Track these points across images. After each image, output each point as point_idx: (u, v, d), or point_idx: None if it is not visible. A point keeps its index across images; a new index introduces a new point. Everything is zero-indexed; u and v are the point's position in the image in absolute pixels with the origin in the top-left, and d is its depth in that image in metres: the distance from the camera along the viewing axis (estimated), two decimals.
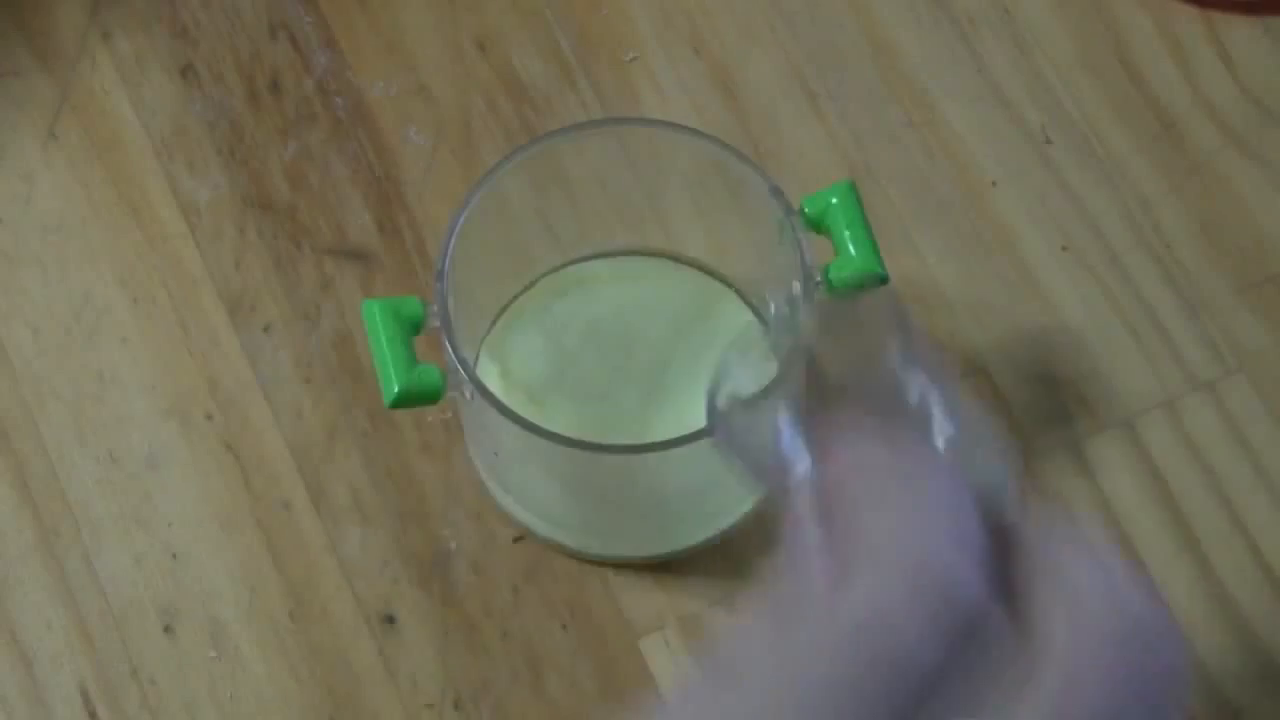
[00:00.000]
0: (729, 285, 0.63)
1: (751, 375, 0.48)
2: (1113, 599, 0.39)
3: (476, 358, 0.63)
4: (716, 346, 0.62)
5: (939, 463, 0.42)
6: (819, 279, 0.56)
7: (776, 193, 0.57)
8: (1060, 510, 0.43)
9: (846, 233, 0.56)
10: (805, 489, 0.42)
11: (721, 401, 0.48)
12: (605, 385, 0.62)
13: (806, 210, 0.57)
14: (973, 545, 0.39)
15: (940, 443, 0.43)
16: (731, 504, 0.61)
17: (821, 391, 0.46)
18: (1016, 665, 0.38)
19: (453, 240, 0.57)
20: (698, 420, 0.55)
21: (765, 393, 0.47)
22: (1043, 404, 0.64)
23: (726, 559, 0.62)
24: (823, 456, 0.42)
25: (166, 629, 0.61)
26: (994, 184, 0.67)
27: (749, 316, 0.63)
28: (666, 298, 0.64)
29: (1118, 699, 0.38)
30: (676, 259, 0.64)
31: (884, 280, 0.56)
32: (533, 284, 0.64)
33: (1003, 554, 0.40)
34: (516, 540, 0.62)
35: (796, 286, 0.56)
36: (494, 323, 0.64)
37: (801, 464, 0.43)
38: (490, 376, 0.62)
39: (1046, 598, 0.39)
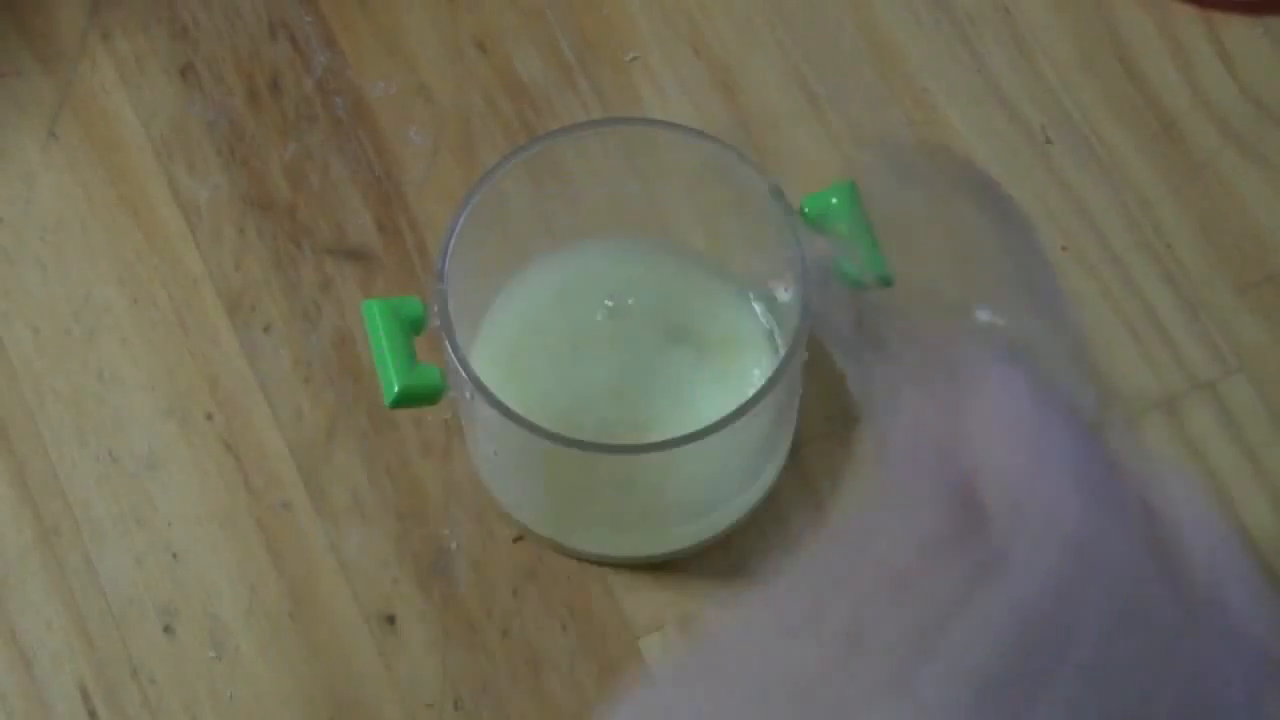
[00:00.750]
0: (729, 280, 0.63)
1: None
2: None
3: (476, 356, 0.63)
4: (717, 342, 0.62)
5: (1072, 419, 0.40)
6: (831, 272, 0.56)
7: (776, 193, 0.57)
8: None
9: (847, 232, 0.56)
10: (910, 417, 0.40)
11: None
12: (605, 383, 0.62)
13: (807, 210, 0.57)
14: (1120, 513, 0.38)
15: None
16: (731, 504, 0.61)
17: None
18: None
19: (453, 240, 0.57)
20: (697, 418, 0.56)
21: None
22: None
23: (726, 559, 0.62)
24: (932, 393, 0.40)
25: (166, 629, 0.61)
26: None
27: (749, 310, 0.63)
28: (667, 295, 0.63)
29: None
30: (677, 258, 0.64)
31: (889, 282, 0.56)
32: (533, 281, 0.64)
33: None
34: (516, 540, 0.62)
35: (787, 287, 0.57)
36: (494, 321, 0.63)
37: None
38: (490, 376, 0.62)
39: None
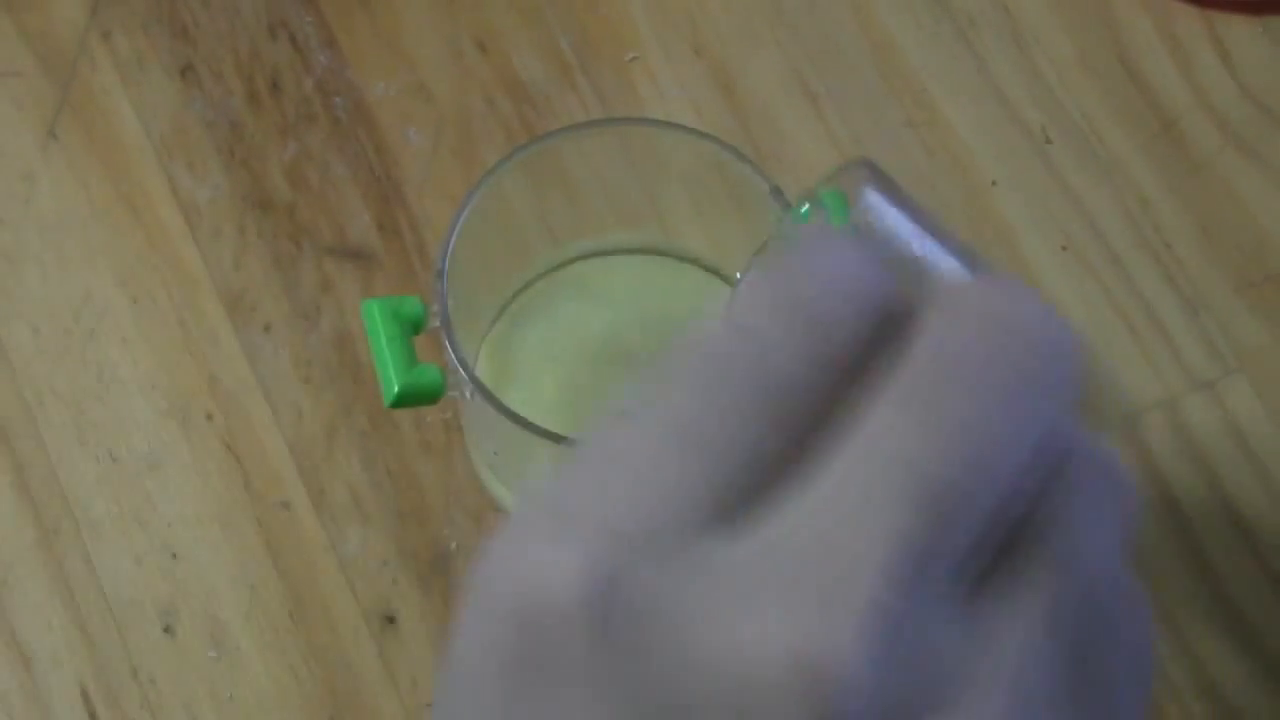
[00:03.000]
0: (729, 283, 0.64)
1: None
2: (989, 295, 0.35)
3: (476, 356, 0.63)
4: None
5: None
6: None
7: (776, 193, 0.57)
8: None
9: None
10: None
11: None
12: (606, 383, 0.62)
13: (806, 210, 0.57)
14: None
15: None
16: None
17: None
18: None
19: (453, 240, 0.57)
20: None
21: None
22: None
23: None
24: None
25: (166, 629, 0.61)
26: (994, 183, 0.67)
27: None
28: (667, 295, 0.64)
29: (985, 397, 0.33)
30: (677, 258, 0.64)
31: None
32: (533, 282, 0.64)
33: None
34: None
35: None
36: (494, 322, 0.64)
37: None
38: (490, 375, 0.62)
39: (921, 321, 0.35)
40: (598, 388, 0.62)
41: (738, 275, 0.62)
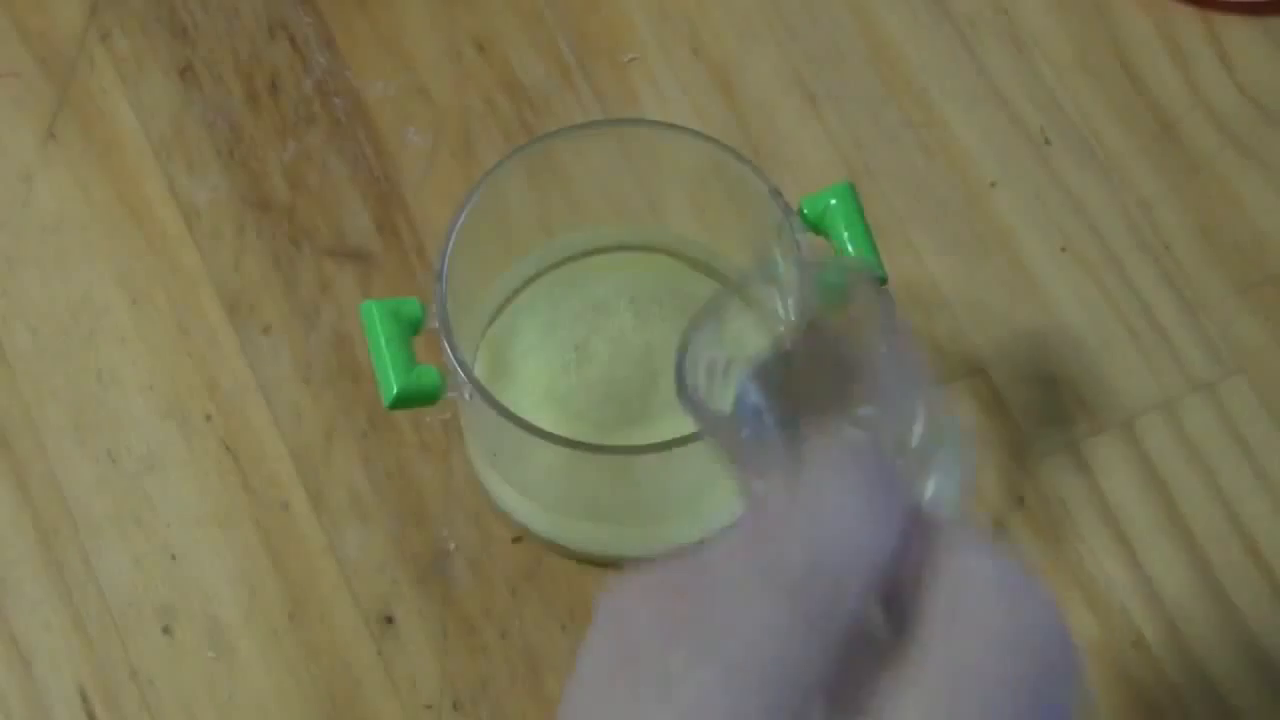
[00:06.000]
0: (729, 280, 0.63)
1: (719, 345, 0.46)
2: (1001, 601, 0.37)
3: (475, 357, 0.63)
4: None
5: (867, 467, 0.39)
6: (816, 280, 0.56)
7: (776, 194, 0.57)
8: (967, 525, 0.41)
9: (845, 234, 0.56)
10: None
11: (690, 377, 0.46)
12: (604, 383, 0.62)
13: (806, 211, 0.57)
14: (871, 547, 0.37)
15: (914, 440, 0.41)
16: (730, 504, 0.61)
17: (793, 373, 0.44)
18: (898, 668, 0.37)
19: (452, 241, 0.57)
20: None
21: (740, 363, 0.44)
22: (1042, 404, 0.64)
23: None
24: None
25: (165, 629, 0.61)
26: (993, 184, 0.67)
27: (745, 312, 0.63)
28: (666, 293, 0.63)
29: (1003, 706, 0.36)
30: (675, 256, 0.64)
31: (882, 281, 0.56)
32: (531, 281, 0.64)
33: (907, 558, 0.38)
34: (516, 540, 0.63)
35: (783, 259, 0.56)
36: (493, 321, 0.64)
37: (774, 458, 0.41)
38: (488, 375, 0.62)
39: (933, 601, 0.37)
40: (596, 386, 0.62)
41: (680, 346, 0.60)
